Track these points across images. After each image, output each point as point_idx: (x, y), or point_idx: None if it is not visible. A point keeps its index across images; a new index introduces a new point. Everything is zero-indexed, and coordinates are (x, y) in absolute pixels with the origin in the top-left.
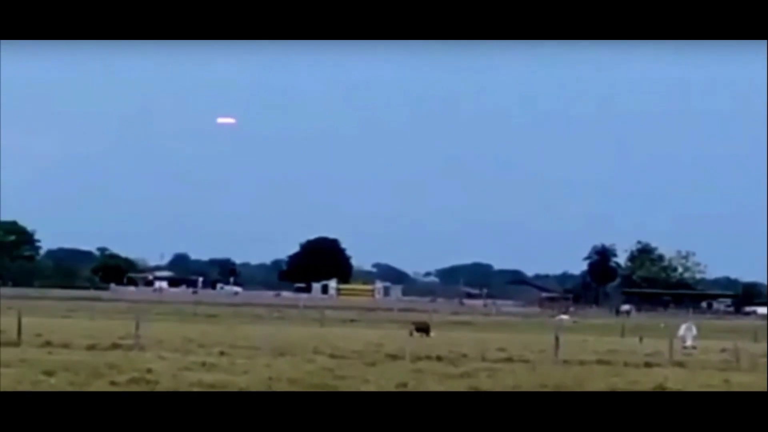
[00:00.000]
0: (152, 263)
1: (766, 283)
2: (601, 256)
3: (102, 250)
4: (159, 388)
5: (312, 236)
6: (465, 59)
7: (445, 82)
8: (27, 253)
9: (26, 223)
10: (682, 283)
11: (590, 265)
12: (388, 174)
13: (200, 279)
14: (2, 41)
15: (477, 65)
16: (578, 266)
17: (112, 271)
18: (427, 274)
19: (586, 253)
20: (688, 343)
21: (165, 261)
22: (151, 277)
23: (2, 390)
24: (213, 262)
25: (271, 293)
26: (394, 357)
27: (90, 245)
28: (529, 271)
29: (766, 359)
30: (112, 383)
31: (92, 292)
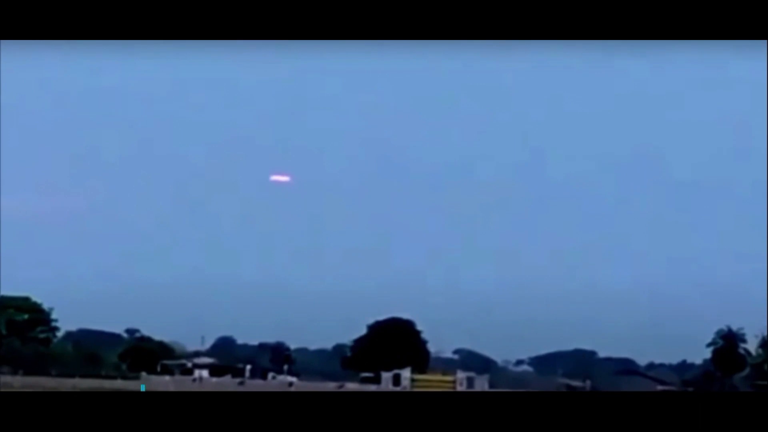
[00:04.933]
0: (191, 348)
1: None
2: (728, 342)
3: (131, 332)
4: None
5: (381, 317)
6: None
7: None
8: (42, 335)
9: (41, 299)
10: None
11: (714, 353)
12: (471, 249)
13: (248, 367)
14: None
15: None
16: (700, 354)
17: (144, 357)
18: (519, 362)
19: (709, 339)
20: None
21: (206, 346)
22: (189, 364)
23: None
24: (263, 347)
25: (332, 384)
26: None
27: (117, 327)
28: (641, 360)
29: None
30: None
31: (119, 383)
